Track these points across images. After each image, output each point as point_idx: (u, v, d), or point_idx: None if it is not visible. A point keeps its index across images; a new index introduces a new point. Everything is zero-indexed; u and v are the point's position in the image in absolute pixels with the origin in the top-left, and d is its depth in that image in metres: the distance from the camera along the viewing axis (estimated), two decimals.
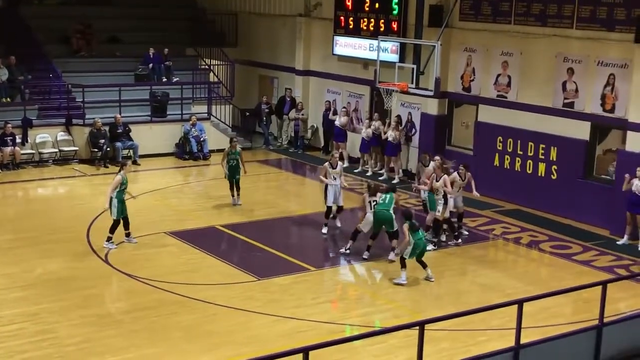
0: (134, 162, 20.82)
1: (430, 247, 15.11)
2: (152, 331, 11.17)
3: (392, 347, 10.61)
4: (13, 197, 18.83)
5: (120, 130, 21.52)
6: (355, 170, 21.25)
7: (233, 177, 17.42)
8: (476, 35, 19.37)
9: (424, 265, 13.38)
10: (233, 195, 17.59)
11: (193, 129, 22.45)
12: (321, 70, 24.06)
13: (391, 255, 14.32)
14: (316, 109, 24.11)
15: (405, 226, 13.19)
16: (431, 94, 18.14)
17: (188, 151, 22.45)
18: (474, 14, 19.42)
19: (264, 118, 24.63)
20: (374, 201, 14.38)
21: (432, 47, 17.83)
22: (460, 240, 15.60)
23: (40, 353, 10.34)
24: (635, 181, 15.43)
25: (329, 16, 23.32)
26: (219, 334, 11.15)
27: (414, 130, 20.99)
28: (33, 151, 21.00)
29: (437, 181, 15.10)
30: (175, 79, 23.93)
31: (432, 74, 17.93)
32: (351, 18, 22.39)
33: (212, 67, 25.13)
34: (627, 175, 15.51)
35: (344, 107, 22.72)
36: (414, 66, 18.34)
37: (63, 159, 21.35)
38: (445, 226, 15.56)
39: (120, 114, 21.87)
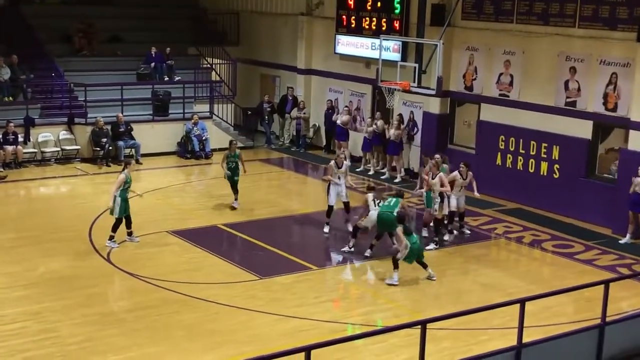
0: (136, 161, 20.83)
1: (432, 246, 15.14)
2: (154, 330, 11.18)
3: (394, 346, 10.61)
4: (15, 196, 18.86)
5: (122, 129, 21.53)
6: (357, 169, 21.24)
7: (232, 179, 17.23)
8: (478, 34, 19.35)
9: (425, 266, 13.36)
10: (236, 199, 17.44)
11: (195, 128, 22.46)
12: (323, 69, 24.06)
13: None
14: (318, 108, 24.11)
15: (399, 230, 13.18)
16: (433, 92, 18.12)
17: (190, 150, 22.46)
18: (476, 12, 19.41)
19: (266, 117, 24.64)
20: (379, 201, 14.40)
21: (434, 46, 17.81)
22: (447, 239, 15.54)
23: (43, 352, 10.35)
24: (638, 180, 15.40)
25: (331, 15, 23.31)
26: (221, 332, 11.16)
27: (416, 129, 20.98)
28: (35, 150, 21.02)
29: (432, 179, 15.09)
30: (177, 78, 23.94)
31: (434, 72, 17.92)
32: (353, 17, 22.39)
33: (214, 66, 25.14)
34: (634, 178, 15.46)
35: (346, 106, 22.73)
36: (416, 65, 18.32)
37: (65, 158, 21.37)
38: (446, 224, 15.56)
39: (122, 112, 21.88)
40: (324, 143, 23.88)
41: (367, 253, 14.38)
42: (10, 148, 20.08)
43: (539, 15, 18.02)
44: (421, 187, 16.51)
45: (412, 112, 21.06)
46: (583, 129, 17.32)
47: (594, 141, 17.34)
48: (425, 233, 15.56)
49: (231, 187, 17.35)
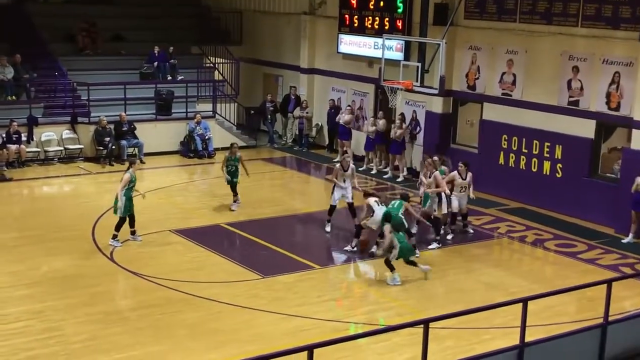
0: (140, 161, 20.83)
1: (434, 245, 15.14)
2: (157, 329, 11.20)
3: (396, 345, 10.62)
4: (18, 195, 18.88)
5: (125, 129, 21.56)
6: (360, 169, 21.19)
7: (231, 181, 17.06)
8: (481, 34, 19.35)
9: (414, 264, 13.33)
10: (238, 198, 17.33)
11: (198, 127, 22.48)
12: (326, 68, 24.07)
13: (416, 252, 14.39)
14: (321, 107, 24.11)
15: (387, 228, 13.17)
16: (436, 92, 18.14)
17: (193, 149, 22.48)
18: (479, 12, 19.41)
19: (269, 116, 24.65)
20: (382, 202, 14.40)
21: (437, 45, 17.83)
22: (449, 238, 15.54)
23: (47, 351, 10.37)
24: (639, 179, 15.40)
25: (334, 14, 23.32)
26: (224, 331, 11.18)
27: (418, 129, 20.99)
28: (38, 149, 21.05)
29: (429, 178, 15.09)
30: (180, 77, 23.96)
31: (437, 72, 17.93)
32: (356, 16, 22.39)
33: (216, 65, 25.15)
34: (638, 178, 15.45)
35: (349, 106, 22.74)
36: (419, 64, 18.34)
37: (68, 157, 21.40)
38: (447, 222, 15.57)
39: (125, 112, 21.91)
40: (327, 142, 23.90)
41: (374, 249, 14.41)
42: (13, 147, 20.11)
43: (541, 15, 18.01)
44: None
45: (414, 112, 21.06)
46: (586, 129, 17.31)
47: (597, 140, 17.33)
48: (414, 230, 15.49)
49: (231, 189, 17.22)
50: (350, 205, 15.73)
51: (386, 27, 21.26)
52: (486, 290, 13.16)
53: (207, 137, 22.55)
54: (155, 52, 23.69)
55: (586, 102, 17.30)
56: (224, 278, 13.27)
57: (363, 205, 14.43)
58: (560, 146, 17.78)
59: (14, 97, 21.41)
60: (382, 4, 21.53)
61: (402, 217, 13.96)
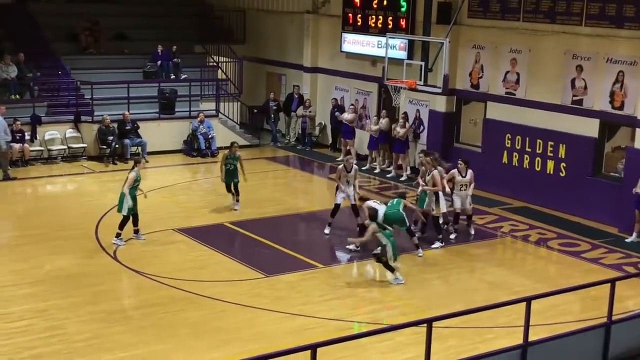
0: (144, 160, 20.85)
1: (437, 244, 15.12)
2: (160, 327, 11.21)
3: (400, 345, 10.61)
4: (22, 194, 18.90)
5: (128, 127, 21.58)
6: (364, 168, 21.21)
7: (231, 181, 16.92)
8: (485, 32, 19.33)
9: (390, 269, 13.20)
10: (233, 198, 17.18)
11: (201, 126, 22.49)
12: (329, 67, 24.06)
13: (420, 252, 14.49)
14: (324, 106, 24.10)
15: (373, 227, 13.15)
16: (439, 91, 18.10)
17: (196, 148, 22.49)
18: (482, 11, 19.38)
19: (272, 115, 24.65)
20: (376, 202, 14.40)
21: (441, 44, 17.80)
22: (452, 238, 15.50)
23: (50, 349, 10.38)
24: None
25: (337, 13, 23.30)
26: (227, 330, 11.18)
27: (422, 128, 20.97)
28: (42, 148, 21.08)
29: (427, 176, 15.08)
30: (183, 76, 23.98)
31: (440, 71, 17.91)
32: (359, 15, 22.37)
33: (220, 64, 25.15)
34: None
35: (352, 104, 22.73)
36: (422, 63, 18.31)
37: (72, 156, 21.42)
38: (443, 223, 15.51)
39: (128, 111, 21.92)
40: (330, 141, 23.89)
41: (377, 250, 14.38)
42: (17, 146, 20.13)
43: (545, 14, 17.98)
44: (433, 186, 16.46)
45: (418, 111, 21.05)
46: (589, 128, 17.28)
47: (601, 139, 17.30)
48: (416, 231, 15.54)
49: (229, 188, 16.99)
50: (354, 205, 15.74)
51: (389, 26, 21.25)
52: (489, 290, 13.15)
53: (210, 136, 22.56)
54: (159, 51, 23.71)
55: (590, 101, 17.27)
56: (227, 277, 13.28)
57: (364, 208, 14.39)
58: (564, 145, 17.75)
59: (17, 96, 21.44)
60: (385, 2, 21.51)
61: (403, 213, 13.98)
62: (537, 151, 18.28)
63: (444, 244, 15.18)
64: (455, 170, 15.57)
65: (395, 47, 20.43)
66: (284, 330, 11.23)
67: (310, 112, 23.99)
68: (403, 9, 21.02)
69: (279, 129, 24.94)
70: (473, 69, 19.74)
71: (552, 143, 17.96)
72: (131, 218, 14.67)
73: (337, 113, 22.57)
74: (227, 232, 15.89)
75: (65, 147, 21.37)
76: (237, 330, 11.20)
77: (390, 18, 21.38)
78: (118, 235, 14.57)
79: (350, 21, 22.67)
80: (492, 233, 16.36)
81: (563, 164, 17.82)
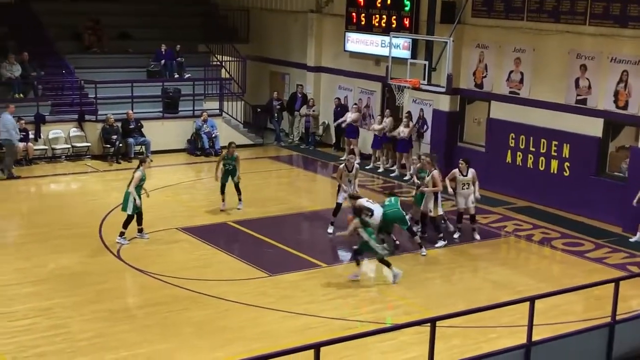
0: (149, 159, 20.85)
1: (441, 243, 15.11)
2: (164, 326, 11.22)
3: (403, 344, 10.61)
4: (26, 192, 18.93)
5: (132, 127, 21.60)
6: (367, 167, 21.25)
7: (227, 181, 16.76)
8: (488, 32, 19.31)
9: (358, 263, 13.23)
10: (223, 200, 16.90)
11: (204, 125, 22.50)
12: (333, 66, 24.06)
13: (423, 251, 14.51)
14: (327, 106, 24.10)
15: (356, 222, 13.14)
16: (443, 90, 18.11)
17: (200, 147, 22.51)
18: (486, 10, 19.36)
19: (275, 114, 24.66)
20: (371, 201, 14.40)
21: (444, 44, 17.79)
22: (456, 237, 15.50)
23: (53, 348, 10.40)
24: None
25: (341, 12, 23.30)
26: (231, 329, 11.18)
27: (425, 127, 20.96)
28: (46, 147, 21.10)
29: (427, 177, 15.08)
30: (187, 76, 23.99)
31: (444, 70, 17.90)
32: (363, 14, 22.36)
33: (223, 64, 25.16)
34: None
35: (355, 104, 22.72)
36: (426, 62, 18.32)
37: (76, 155, 21.44)
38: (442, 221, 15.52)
39: (132, 110, 21.94)
40: (334, 140, 23.89)
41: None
42: (21, 145, 20.15)
43: (549, 13, 17.96)
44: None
45: (421, 110, 21.03)
46: (593, 127, 17.26)
47: (605, 139, 17.28)
48: (415, 229, 15.55)
49: (224, 189, 16.82)
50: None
51: (393, 25, 21.24)
52: (493, 289, 13.14)
53: (213, 135, 22.57)
54: (163, 50, 23.72)
55: (594, 101, 17.24)
56: (231, 276, 13.28)
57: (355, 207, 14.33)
58: (568, 145, 17.73)
59: (21, 95, 21.46)
60: (389, 2, 21.50)
61: (403, 212, 13.98)
62: (541, 151, 18.26)
63: (446, 242, 15.15)
64: (456, 170, 15.54)
65: (399, 46, 20.44)
66: (288, 329, 11.24)
67: (313, 111, 23.99)
68: (407, 8, 21.00)
69: (282, 128, 24.95)
70: (477, 68, 19.72)
71: (556, 142, 17.94)
72: (135, 217, 14.68)
73: (342, 124, 22.47)
74: (231, 231, 15.89)
75: (69, 146, 21.40)
76: (241, 329, 11.21)
77: (394, 17, 21.37)
78: (122, 234, 14.58)
79: (354, 20, 22.66)
80: (496, 232, 16.34)
81: (567, 164, 17.80)
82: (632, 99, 16.51)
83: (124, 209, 14.58)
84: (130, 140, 21.46)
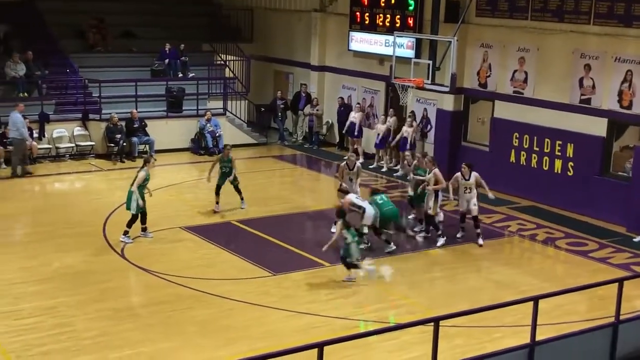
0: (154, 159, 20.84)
1: (441, 241, 15.10)
2: (168, 325, 11.24)
3: (406, 343, 10.61)
4: (30, 191, 18.96)
5: (136, 126, 21.63)
6: (371, 166, 21.25)
7: (223, 183, 16.70)
8: (493, 31, 19.30)
9: (348, 268, 13.14)
10: (217, 202, 16.77)
11: (208, 125, 22.52)
12: (336, 65, 24.06)
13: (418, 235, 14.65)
14: (331, 105, 24.11)
15: (340, 224, 13.14)
16: (447, 89, 18.08)
17: (203, 146, 22.52)
18: (490, 9, 19.35)
19: (279, 113, 24.66)
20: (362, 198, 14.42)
21: (448, 43, 17.78)
22: (459, 236, 15.45)
23: (58, 346, 10.42)
24: None
25: (345, 12, 23.30)
26: (235, 328, 11.20)
27: (429, 127, 20.96)
28: (50, 146, 21.14)
29: (427, 174, 15.09)
30: (191, 75, 24.01)
31: (448, 69, 17.89)
32: (367, 14, 22.36)
33: (227, 63, 25.19)
34: None
35: (358, 104, 22.73)
36: (430, 62, 18.29)
37: (80, 154, 21.48)
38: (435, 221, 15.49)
39: (136, 109, 21.97)
40: (337, 140, 23.89)
41: (389, 250, 14.40)
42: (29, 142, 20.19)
43: (553, 12, 17.94)
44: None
45: (425, 109, 21.03)
46: (598, 127, 17.24)
47: (609, 139, 17.25)
48: (416, 228, 15.62)
49: (219, 190, 16.72)
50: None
51: (397, 25, 21.23)
52: (496, 289, 13.13)
53: (217, 135, 22.58)
54: (166, 49, 23.74)
55: (598, 100, 17.22)
56: (235, 275, 13.30)
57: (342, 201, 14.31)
58: (572, 144, 17.71)
59: (25, 94, 21.51)
60: (393, 1, 21.49)
61: (397, 209, 14.03)
62: (545, 150, 18.25)
63: (446, 238, 15.12)
64: (458, 174, 15.45)
65: (402, 45, 20.41)
66: (291, 328, 11.25)
67: (317, 110, 24.00)
68: (411, 8, 21.00)
69: (286, 128, 24.96)
70: (481, 67, 19.71)
71: (560, 142, 17.93)
72: (139, 216, 14.70)
73: (345, 132, 22.50)
74: (235, 230, 15.91)
75: (73, 145, 21.44)
76: (244, 328, 11.22)
77: (398, 16, 21.36)
78: (126, 233, 14.60)
79: (358, 20, 22.66)
80: (500, 232, 16.34)
81: (571, 163, 17.79)
82: (636, 98, 16.48)
83: (128, 207, 14.61)
84: (134, 139, 21.49)
